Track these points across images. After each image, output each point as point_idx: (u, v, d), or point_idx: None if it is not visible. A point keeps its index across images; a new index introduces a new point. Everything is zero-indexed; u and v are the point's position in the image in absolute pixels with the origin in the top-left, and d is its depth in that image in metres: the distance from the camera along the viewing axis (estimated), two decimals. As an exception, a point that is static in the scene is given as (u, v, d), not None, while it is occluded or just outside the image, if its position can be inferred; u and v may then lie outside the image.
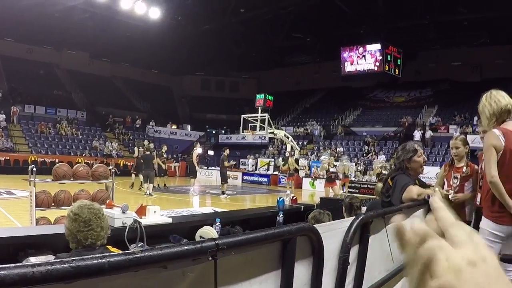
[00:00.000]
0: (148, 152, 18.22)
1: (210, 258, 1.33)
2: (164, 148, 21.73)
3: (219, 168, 20.00)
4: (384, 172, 20.41)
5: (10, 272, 0.88)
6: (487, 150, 3.52)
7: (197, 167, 20.00)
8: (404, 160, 3.77)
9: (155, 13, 30.61)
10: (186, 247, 1.27)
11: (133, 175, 20.62)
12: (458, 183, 4.71)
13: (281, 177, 27.56)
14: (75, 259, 0.97)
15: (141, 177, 18.94)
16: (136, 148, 20.86)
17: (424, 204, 3.60)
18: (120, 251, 1.46)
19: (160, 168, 20.51)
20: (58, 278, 0.95)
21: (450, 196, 4.64)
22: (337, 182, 18.96)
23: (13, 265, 0.89)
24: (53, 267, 0.94)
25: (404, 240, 0.56)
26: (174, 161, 31.24)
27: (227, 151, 18.85)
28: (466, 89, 31.21)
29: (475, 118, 26.32)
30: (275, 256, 1.77)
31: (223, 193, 18.44)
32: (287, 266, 1.78)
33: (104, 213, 2.83)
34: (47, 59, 38.97)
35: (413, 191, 3.49)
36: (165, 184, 21.35)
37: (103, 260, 1.01)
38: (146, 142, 20.03)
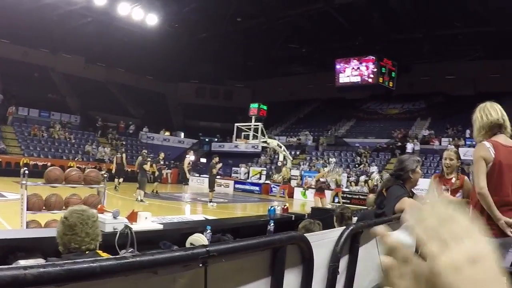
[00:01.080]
0: (141, 158, 18.22)
1: (200, 265, 1.34)
2: (162, 155, 21.88)
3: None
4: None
5: (2, 274, 0.89)
6: (477, 162, 3.54)
7: (188, 174, 20.03)
8: (409, 171, 3.88)
9: (152, 20, 30.64)
10: (177, 253, 1.28)
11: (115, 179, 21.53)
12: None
13: (273, 186, 27.57)
14: (67, 262, 0.98)
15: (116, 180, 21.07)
16: (119, 155, 22.67)
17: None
18: (110, 256, 1.47)
19: (155, 174, 20.60)
20: (49, 281, 0.96)
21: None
22: (327, 193, 18.92)
23: (5, 266, 0.90)
24: (45, 269, 0.95)
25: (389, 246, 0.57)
26: (166, 168, 31.15)
27: (216, 159, 18.90)
28: (459, 103, 31.36)
29: (468, 131, 26.47)
30: (265, 264, 1.78)
31: (210, 201, 18.42)
32: (277, 274, 1.79)
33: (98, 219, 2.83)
34: (43, 62, 38.82)
35: (406, 203, 3.53)
36: (156, 191, 21.31)
37: (95, 264, 1.02)
38: (145, 151, 20.11)
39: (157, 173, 19.14)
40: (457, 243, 0.52)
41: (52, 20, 31.59)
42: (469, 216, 0.56)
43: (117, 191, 20.61)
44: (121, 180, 21.52)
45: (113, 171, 21.51)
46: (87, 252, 2.63)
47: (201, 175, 31.23)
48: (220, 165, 19.35)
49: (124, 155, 22.93)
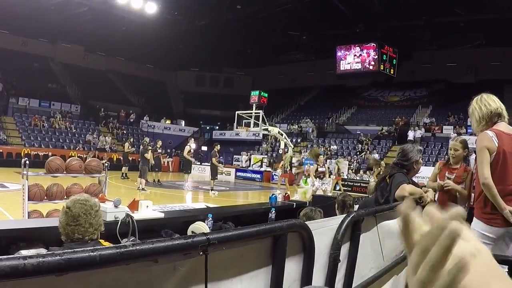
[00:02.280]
0: (142, 147, 18.26)
1: (201, 253, 1.34)
2: (159, 143, 21.86)
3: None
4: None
5: (1, 264, 0.89)
6: (480, 152, 3.52)
7: (192, 159, 20.12)
8: (413, 162, 3.93)
9: (151, 8, 30.47)
10: (177, 242, 1.28)
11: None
12: None
13: (274, 174, 27.60)
14: (66, 251, 0.97)
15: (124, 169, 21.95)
16: (127, 143, 23.59)
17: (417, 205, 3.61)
18: (112, 245, 1.47)
19: (155, 163, 20.58)
20: (49, 271, 0.96)
21: (443, 183, 4.63)
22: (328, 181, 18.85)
23: (4, 257, 0.89)
24: (44, 259, 0.94)
25: (411, 229, 0.57)
26: (168, 156, 31.17)
27: (217, 147, 18.93)
28: (460, 90, 31.30)
29: (469, 119, 26.45)
30: (266, 252, 1.78)
31: (211, 189, 18.44)
32: (277, 262, 1.79)
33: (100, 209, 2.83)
34: (42, 52, 38.75)
35: (406, 189, 3.54)
36: (158, 180, 21.33)
37: (94, 253, 1.02)
38: (147, 140, 20.10)
39: (152, 162, 19.04)
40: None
41: (49, 9, 31.48)
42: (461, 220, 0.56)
43: (126, 179, 21.25)
44: (126, 169, 22.22)
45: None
46: (89, 241, 2.63)
47: (202, 163, 31.26)
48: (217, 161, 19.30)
49: (126, 144, 23.12)
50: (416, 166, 4.01)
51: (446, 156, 5.10)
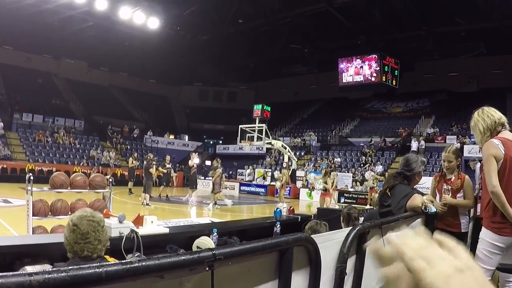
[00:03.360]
0: (146, 162, 18.26)
1: (207, 268, 1.33)
2: (168, 158, 21.92)
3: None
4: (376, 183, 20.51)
5: (7, 281, 0.88)
6: (487, 161, 3.50)
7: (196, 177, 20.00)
8: (416, 174, 3.92)
9: (154, 23, 30.64)
10: (183, 257, 1.27)
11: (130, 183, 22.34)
12: (450, 195, 4.70)
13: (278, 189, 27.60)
14: (72, 268, 0.97)
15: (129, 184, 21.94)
16: (130, 158, 23.29)
17: (421, 214, 3.61)
18: (117, 261, 1.46)
19: (162, 178, 20.59)
20: (55, 287, 0.95)
21: (440, 202, 4.61)
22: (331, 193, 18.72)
23: (10, 273, 0.89)
24: (50, 275, 0.94)
25: (384, 258, 0.58)
26: (172, 171, 31.12)
27: (215, 162, 18.82)
28: (463, 99, 31.33)
29: (471, 128, 26.39)
30: (272, 266, 1.77)
31: (214, 203, 18.33)
32: (284, 276, 1.78)
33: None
34: (46, 68, 39.04)
35: (418, 200, 3.53)
36: (167, 195, 21.27)
37: (100, 270, 1.01)
38: (151, 155, 20.07)
39: (155, 177, 19.00)
40: (442, 260, 0.53)
41: (53, 25, 31.76)
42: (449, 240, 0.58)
43: (131, 194, 21.23)
44: (132, 184, 22.16)
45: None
46: (96, 258, 2.62)
47: (206, 178, 31.22)
48: (219, 170, 18.90)
49: (130, 159, 23.15)
50: (417, 177, 4.00)
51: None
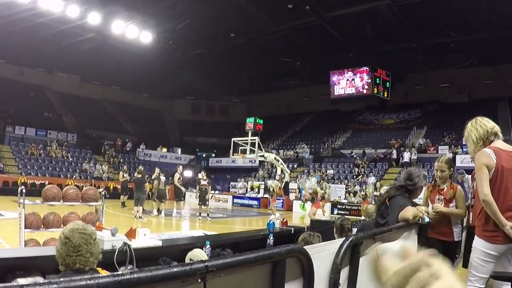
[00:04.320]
0: (140, 176, 18.18)
1: (199, 280, 1.33)
2: (157, 171, 21.66)
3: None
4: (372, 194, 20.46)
5: (-2, 294, 0.88)
6: (479, 170, 3.53)
7: (182, 189, 19.68)
8: (417, 188, 3.95)
9: (146, 37, 30.70)
10: (176, 269, 1.27)
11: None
12: (442, 205, 4.72)
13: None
14: (63, 280, 0.97)
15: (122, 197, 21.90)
16: (121, 172, 23.12)
17: (415, 224, 3.62)
18: (109, 273, 1.45)
19: (159, 194, 20.49)
20: (46, 300, 0.95)
21: (432, 211, 4.63)
22: (320, 203, 18.55)
23: (1, 285, 0.89)
24: (41, 287, 0.94)
25: (382, 269, 0.58)
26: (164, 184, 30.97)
27: (200, 175, 18.91)
28: (454, 110, 31.56)
29: (464, 138, 26.53)
30: (265, 278, 1.77)
31: (207, 215, 18.33)
32: (277, 288, 1.77)
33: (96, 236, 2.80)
34: (39, 81, 38.97)
35: (409, 212, 3.54)
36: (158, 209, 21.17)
37: (92, 282, 1.01)
38: (141, 168, 19.95)
39: (147, 190, 18.91)
40: (434, 280, 0.54)
41: (46, 39, 31.79)
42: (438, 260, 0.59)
43: (124, 208, 21.04)
44: (126, 197, 22.03)
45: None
46: (88, 271, 2.60)
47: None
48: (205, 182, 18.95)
49: (120, 173, 23.02)
50: (419, 191, 4.02)
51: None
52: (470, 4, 24.03)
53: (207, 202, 18.51)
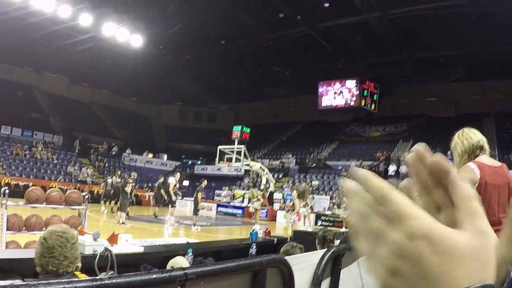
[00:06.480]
0: (123, 180, 18.08)
1: None
2: (134, 174, 21.52)
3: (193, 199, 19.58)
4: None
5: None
6: None
7: (173, 197, 19.39)
8: None
9: (137, 41, 30.60)
10: (155, 276, 1.26)
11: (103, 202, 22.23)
12: None
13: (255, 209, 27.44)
14: (41, 283, 0.96)
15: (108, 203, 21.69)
16: (102, 184, 23.82)
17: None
18: (88, 278, 1.44)
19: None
20: (22, 303, 0.94)
21: None
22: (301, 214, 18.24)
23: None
24: (18, 291, 0.93)
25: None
26: (149, 190, 30.82)
27: (204, 183, 18.66)
28: (441, 124, 31.75)
29: (449, 153, 26.71)
30: (245, 287, 1.76)
31: (194, 224, 18.12)
32: (256, 298, 1.77)
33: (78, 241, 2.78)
34: (27, 80, 38.59)
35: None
36: (154, 213, 21.09)
37: (69, 285, 1.01)
38: (118, 173, 19.89)
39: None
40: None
41: (36, 39, 31.54)
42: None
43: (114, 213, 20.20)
44: (111, 203, 21.78)
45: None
46: (64, 274, 2.58)
47: (184, 198, 30.84)
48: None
49: (102, 184, 22.92)
50: None
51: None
52: (459, 19, 24.29)
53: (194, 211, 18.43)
